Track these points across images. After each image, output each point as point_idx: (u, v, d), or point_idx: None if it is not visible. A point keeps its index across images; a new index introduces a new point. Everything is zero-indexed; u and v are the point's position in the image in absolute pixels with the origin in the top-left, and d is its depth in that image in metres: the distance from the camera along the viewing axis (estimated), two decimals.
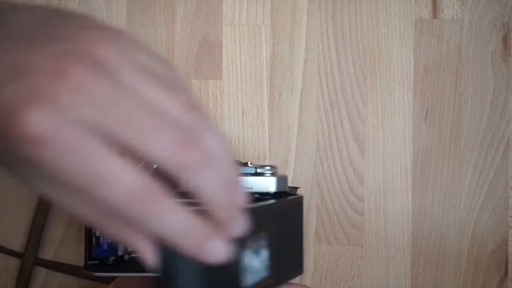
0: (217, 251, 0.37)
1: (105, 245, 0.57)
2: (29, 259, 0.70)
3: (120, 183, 0.34)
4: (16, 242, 0.71)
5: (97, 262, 0.58)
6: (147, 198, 0.34)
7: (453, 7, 0.71)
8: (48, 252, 0.71)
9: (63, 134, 0.33)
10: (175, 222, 0.35)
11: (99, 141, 0.34)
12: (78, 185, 0.34)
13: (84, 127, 0.34)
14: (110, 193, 0.34)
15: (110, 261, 0.58)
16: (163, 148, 0.34)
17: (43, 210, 0.70)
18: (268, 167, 0.58)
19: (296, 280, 0.70)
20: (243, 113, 0.71)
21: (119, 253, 0.58)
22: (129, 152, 0.35)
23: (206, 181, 0.35)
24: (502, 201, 0.71)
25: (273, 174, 0.58)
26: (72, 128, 0.33)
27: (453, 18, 0.71)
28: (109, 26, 0.37)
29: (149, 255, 0.37)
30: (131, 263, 0.58)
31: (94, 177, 0.34)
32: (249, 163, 0.58)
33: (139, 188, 0.34)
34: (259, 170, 0.58)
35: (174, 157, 0.35)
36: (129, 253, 0.57)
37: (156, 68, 0.37)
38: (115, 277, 0.62)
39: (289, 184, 0.61)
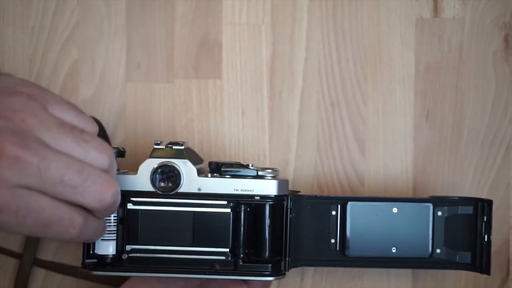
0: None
1: (103, 244, 0.57)
2: (28, 259, 0.70)
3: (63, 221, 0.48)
4: (15, 243, 0.70)
5: (95, 261, 0.58)
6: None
7: (454, 6, 0.71)
8: (47, 253, 0.70)
9: (12, 201, 0.45)
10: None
11: (42, 197, 0.46)
12: (32, 230, 0.47)
13: (28, 191, 0.45)
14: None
15: (108, 260, 0.58)
16: (92, 196, 0.48)
17: None
18: (269, 170, 0.58)
19: (297, 280, 0.70)
20: (243, 113, 0.71)
21: (118, 253, 0.58)
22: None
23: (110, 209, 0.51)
24: (503, 201, 0.71)
25: (274, 177, 0.58)
26: (18, 195, 0.45)
27: (454, 17, 0.71)
28: (21, 81, 0.50)
29: None
30: (129, 262, 0.58)
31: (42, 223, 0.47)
32: (250, 165, 0.58)
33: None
34: (260, 173, 0.58)
35: (100, 200, 0.48)
36: (127, 252, 0.57)
37: (68, 118, 0.49)
38: (113, 277, 0.62)
39: (290, 188, 0.61)
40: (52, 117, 0.48)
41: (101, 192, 0.48)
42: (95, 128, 0.51)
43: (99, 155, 0.49)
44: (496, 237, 0.68)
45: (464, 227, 0.62)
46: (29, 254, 0.69)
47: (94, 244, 0.58)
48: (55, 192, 0.47)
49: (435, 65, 0.71)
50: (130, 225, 0.58)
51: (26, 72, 0.70)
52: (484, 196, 0.70)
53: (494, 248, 0.64)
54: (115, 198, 0.50)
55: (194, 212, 0.58)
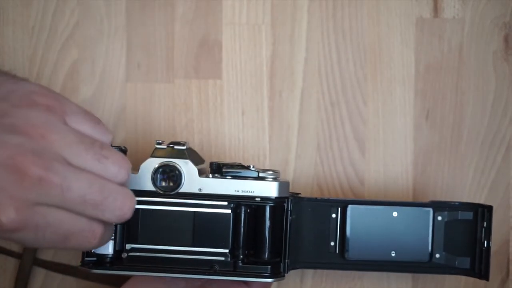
0: None
1: None
2: (28, 259, 0.70)
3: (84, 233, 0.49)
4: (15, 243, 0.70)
5: (95, 259, 0.58)
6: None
7: (454, 6, 0.71)
8: (47, 253, 0.70)
9: (31, 219, 0.45)
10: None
11: (61, 212, 0.46)
12: (51, 244, 0.48)
13: (47, 207, 0.45)
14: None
15: (108, 259, 0.58)
16: (112, 213, 0.48)
17: None
18: (270, 172, 0.58)
19: (296, 281, 0.70)
20: (243, 113, 0.71)
21: (117, 251, 0.58)
22: None
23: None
24: (503, 201, 0.71)
25: (275, 179, 0.58)
26: (37, 211, 0.45)
27: (454, 17, 0.71)
28: (38, 89, 0.49)
29: None
30: (129, 261, 0.58)
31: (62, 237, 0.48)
32: (251, 166, 0.58)
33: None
34: (261, 174, 0.58)
35: (120, 216, 0.49)
36: (127, 251, 0.57)
37: (85, 129, 0.49)
38: (113, 277, 0.62)
39: (290, 189, 0.61)
40: (71, 131, 0.48)
41: (121, 208, 0.49)
42: (111, 137, 0.51)
43: (118, 171, 0.49)
44: (496, 237, 0.68)
45: (463, 232, 0.62)
46: (29, 254, 0.70)
47: None
48: (76, 210, 0.47)
49: (435, 65, 0.71)
50: (130, 224, 0.57)
51: (26, 72, 0.70)
52: (484, 196, 0.70)
53: (494, 248, 0.65)
54: (132, 211, 0.50)
55: (194, 212, 0.58)
